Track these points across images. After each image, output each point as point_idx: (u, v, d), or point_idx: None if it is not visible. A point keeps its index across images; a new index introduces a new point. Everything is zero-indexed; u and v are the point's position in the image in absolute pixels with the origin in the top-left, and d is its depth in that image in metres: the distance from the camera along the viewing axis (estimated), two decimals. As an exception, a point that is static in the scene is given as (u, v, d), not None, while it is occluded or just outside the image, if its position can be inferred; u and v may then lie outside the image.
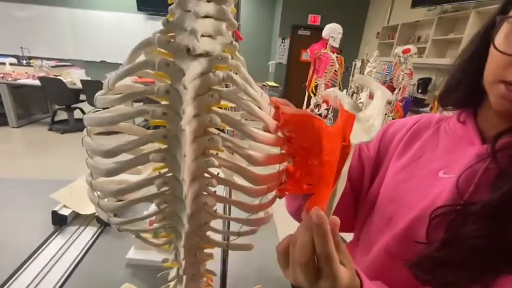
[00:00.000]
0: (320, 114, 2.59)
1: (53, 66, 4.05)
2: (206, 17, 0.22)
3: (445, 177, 0.39)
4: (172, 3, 0.23)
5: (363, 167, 0.54)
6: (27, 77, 3.74)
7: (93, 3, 5.34)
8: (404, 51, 2.92)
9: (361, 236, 0.54)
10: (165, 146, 0.26)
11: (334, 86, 2.48)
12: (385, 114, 3.42)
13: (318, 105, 2.56)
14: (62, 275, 0.69)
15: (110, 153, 0.25)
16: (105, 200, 0.30)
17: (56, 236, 0.83)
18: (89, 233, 0.86)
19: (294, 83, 5.57)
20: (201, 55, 0.23)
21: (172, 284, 0.35)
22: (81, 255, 0.76)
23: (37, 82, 3.51)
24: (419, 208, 0.40)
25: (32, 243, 0.78)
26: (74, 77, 3.64)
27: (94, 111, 0.28)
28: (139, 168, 0.33)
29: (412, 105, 3.43)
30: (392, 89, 3.24)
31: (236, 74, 0.26)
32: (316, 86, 2.45)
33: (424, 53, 3.51)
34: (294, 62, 5.59)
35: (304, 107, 2.63)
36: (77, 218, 0.91)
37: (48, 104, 4.21)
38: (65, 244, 0.80)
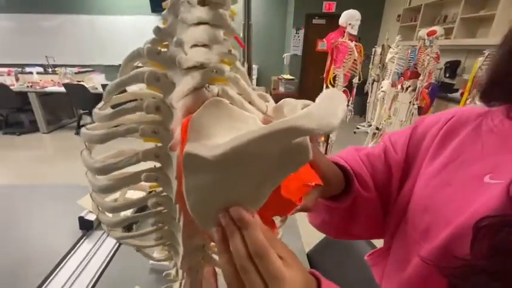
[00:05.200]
0: (339, 106, 2.49)
1: (75, 73, 4.24)
2: (200, 23, 0.19)
3: (493, 183, 0.34)
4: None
5: (390, 171, 0.49)
6: (53, 85, 3.95)
7: (110, 9, 5.51)
8: (429, 34, 2.71)
9: (392, 245, 0.50)
10: (159, 165, 0.24)
11: (353, 75, 2.37)
12: (410, 102, 3.23)
13: (336, 97, 2.46)
14: (91, 279, 0.72)
15: (101, 171, 0.24)
16: (105, 213, 0.30)
17: (84, 241, 0.87)
18: (113, 238, 0.88)
19: (310, 74, 5.43)
20: (195, 67, 0.20)
21: None
22: (108, 260, 0.79)
23: (62, 89, 3.70)
24: (461, 219, 0.35)
25: (62, 247, 0.83)
26: (95, 82, 3.79)
27: (92, 125, 0.27)
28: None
29: (440, 90, 3.21)
30: (417, 75, 3.05)
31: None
32: (334, 77, 2.35)
33: (451, 34, 3.25)
34: (310, 53, 5.44)
35: (321, 99, 2.54)
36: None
37: (74, 109, 4.43)
38: (92, 249, 0.83)
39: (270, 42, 5.80)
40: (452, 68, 3.42)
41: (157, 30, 0.20)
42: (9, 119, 4.12)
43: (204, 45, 0.20)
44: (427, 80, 2.89)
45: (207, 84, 0.21)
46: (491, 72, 0.39)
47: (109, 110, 0.23)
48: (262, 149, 0.17)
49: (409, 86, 3.25)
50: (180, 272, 0.28)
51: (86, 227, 0.93)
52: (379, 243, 0.56)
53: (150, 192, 0.26)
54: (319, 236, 0.93)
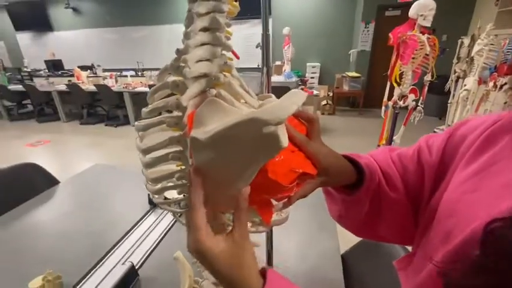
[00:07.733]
0: (407, 107, 2.26)
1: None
2: (204, 44, 0.27)
3: None
4: None
5: (422, 173, 0.46)
6: (142, 86, 4.70)
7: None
8: (536, 18, 2.20)
9: (417, 251, 0.48)
10: (181, 148, 0.32)
11: (425, 72, 2.12)
12: (505, 103, 2.69)
13: (403, 97, 2.23)
14: (152, 243, 0.90)
15: (145, 151, 0.35)
16: (150, 184, 0.40)
17: (150, 214, 1.07)
18: (172, 214, 1.07)
19: (378, 71, 5.00)
20: (200, 76, 0.27)
21: None
22: (166, 231, 0.97)
23: (147, 89, 4.38)
24: (477, 223, 0.34)
25: (135, 216, 1.05)
26: (172, 83, 4.37)
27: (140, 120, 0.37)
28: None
29: (550, 88, 2.57)
30: (516, 69, 2.51)
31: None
32: (401, 75, 2.14)
33: None
34: (380, 48, 5.00)
35: (385, 98, 2.34)
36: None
37: (156, 106, 5.19)
38: (156, 221, 1.03)
39: (335, 38, 5.51)
40: None
41: (177, 51, 0.28)
42: (110, 114, 5.11)
43: (207, 60, 0.27)
44: (531, 75, 2.36)
45: (208, 88, 0.28)
46: None
47: (149, 109, 0.33)
48: (237, 133, 0.23)
49: (505, 84, 2.70)
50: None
51: (153, 203, 1.14)
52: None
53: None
54: (357, 238, 0.90)
